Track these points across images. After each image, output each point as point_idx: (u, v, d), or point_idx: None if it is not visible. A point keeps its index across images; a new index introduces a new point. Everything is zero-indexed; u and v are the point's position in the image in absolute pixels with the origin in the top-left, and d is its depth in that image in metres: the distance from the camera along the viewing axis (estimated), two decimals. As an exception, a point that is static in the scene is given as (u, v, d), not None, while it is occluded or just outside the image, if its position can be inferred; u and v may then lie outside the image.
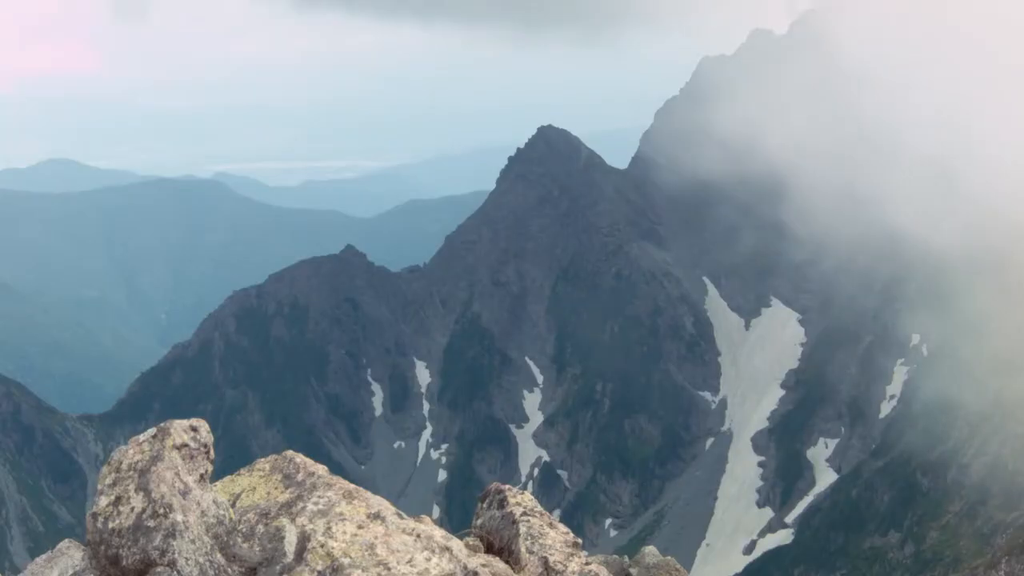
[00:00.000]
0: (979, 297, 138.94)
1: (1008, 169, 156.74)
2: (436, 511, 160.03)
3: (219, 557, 7.84)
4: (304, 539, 8.01)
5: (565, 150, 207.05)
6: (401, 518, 8.32)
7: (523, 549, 9.31)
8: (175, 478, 7.81)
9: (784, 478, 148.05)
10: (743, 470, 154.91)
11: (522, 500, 10.09)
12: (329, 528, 8.04)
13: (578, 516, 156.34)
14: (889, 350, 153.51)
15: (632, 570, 13.76)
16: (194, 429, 8.38)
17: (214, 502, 8.20)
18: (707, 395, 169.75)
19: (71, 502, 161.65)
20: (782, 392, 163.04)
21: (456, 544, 8.26)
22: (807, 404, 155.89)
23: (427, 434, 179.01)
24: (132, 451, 8.05)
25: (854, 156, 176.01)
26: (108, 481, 7.91)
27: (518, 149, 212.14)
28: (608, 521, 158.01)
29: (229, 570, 7.83)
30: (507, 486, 10.42)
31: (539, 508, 10.01)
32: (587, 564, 9.17)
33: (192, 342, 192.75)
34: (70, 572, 7.85)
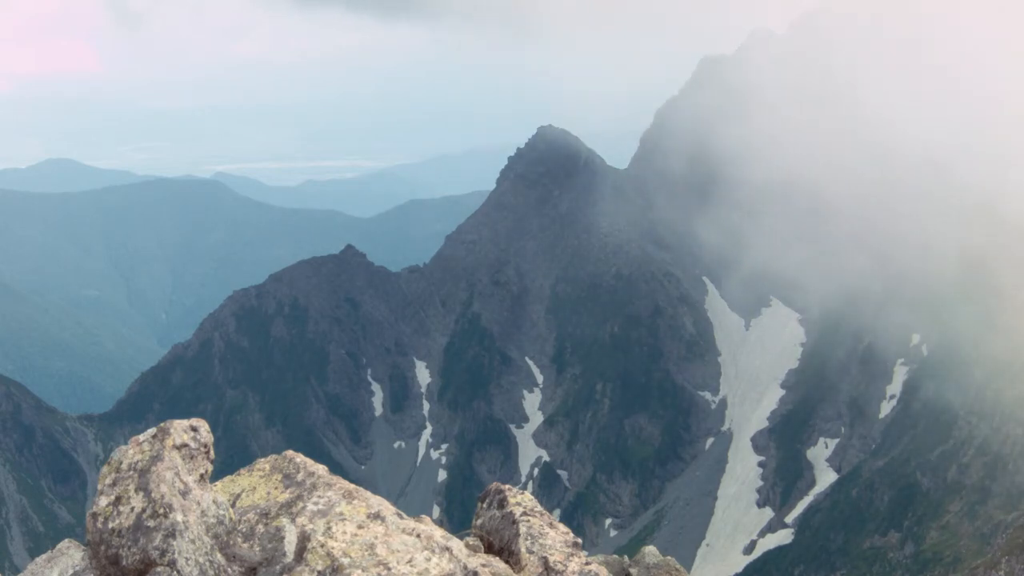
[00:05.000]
0: (979, 297, 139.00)
1: (1007, 169, 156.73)
2: (436, 511, 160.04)
3: (219, 557, 7.84)
4: (304, 539, 8.01)
5: (565, 150, 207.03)
6: (401, 518, 8.32)
7: (523, 549, 9.31)
8: (175, 478, 7.81)
9: (784, 478, 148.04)
10: (743, 470, 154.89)
11: (522, 500, 10.09)
12: (329, 528, 8.04)
13: (578, 516, 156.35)
14: (889, 350, 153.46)
15: (632, 570, 13.76)
16: (194, 429, 8.39)
17: (214, 502, 8.20)
18: (707, 395, 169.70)
19: (71, 502, 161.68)
20: (782, 392, 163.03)
21: (456, 544, 8.26)
22: (807, 404, 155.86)
23: (427, 434, 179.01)
24: (132, 451, 8.06)
25: (853, 156, 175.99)
26: (108, 481, 7.91)
27: (518, 149, 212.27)
28: (608, 521, 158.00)
29: (229, 570, 7.83)
30: (507, 486, 10.42)
31: (539, 508, 10.01)
32: (587, 564, 9.17)
33: (192, 342, 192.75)
34: (70, 572, 7.85)
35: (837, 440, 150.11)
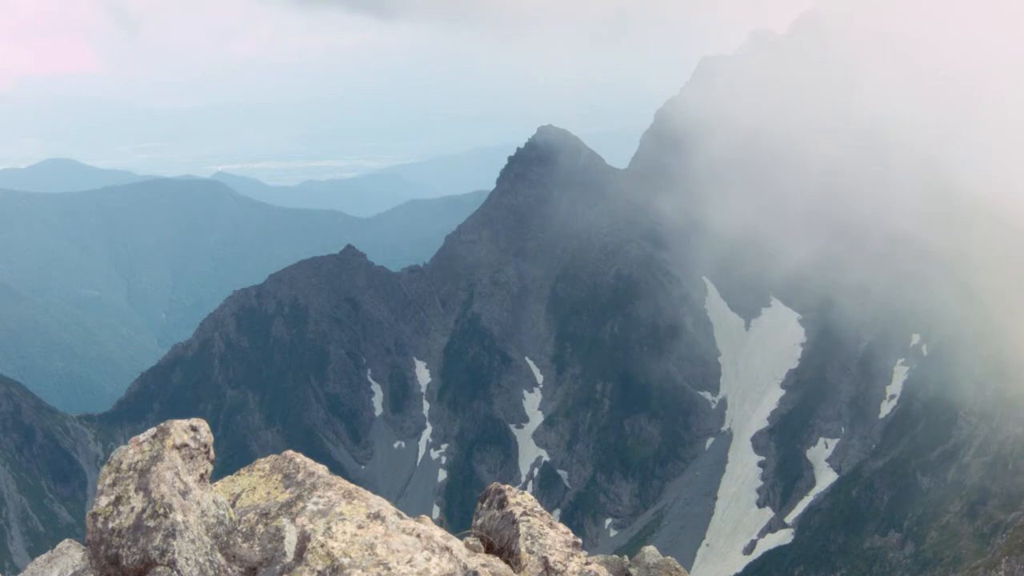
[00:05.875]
0: (978, 297, 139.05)
1: (1006, 168, 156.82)
2: (436, 511, 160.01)
3: (219, 557, 7.85)
4: (304, 539, 8.01)
5: (565, 150, 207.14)
6: (401, 518, 8.33)
7: (523, 549, 9.31)
8: (175, 478, 7.81)
9: (784, 478, 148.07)
10: (743, 470, 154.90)
11: (522, 500, 10.09)
12: (329, 528, 8.05)
13: (578, 516, 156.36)
14: (889, 350, 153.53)
15: (632, 570, 13.76)
16: (194, 429, 8.39)
17: (214, 502, 8.20)
18: (707, 395, 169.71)
19: (71, 502, 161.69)
20: (782, 392, 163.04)
21: (456, 544, 8.26)
22: (807, 404, 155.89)
23: (427, 434, 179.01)
24: (132, 451, 8.06)
25: (853, 156, 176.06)
26: (108, 481, 7.91)
27: (518, 149, 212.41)
28: (608, 521, 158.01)
29: (229, 570, 7.83)
30: (507, 486, 10.43)
31: (539, 508, 10.01)
32: (587, 564, 9.17)
33: (192, 342, 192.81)
34: (70, 572, 7.85)
35: (837, 440, 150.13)
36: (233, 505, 8.73)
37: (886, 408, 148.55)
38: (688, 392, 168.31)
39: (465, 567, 7.96)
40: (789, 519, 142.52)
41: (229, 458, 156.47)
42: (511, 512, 9.85)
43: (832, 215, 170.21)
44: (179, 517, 7.54)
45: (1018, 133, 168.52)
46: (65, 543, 8.23)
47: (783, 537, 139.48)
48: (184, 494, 7.80)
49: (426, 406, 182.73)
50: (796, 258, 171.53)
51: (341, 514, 8.19)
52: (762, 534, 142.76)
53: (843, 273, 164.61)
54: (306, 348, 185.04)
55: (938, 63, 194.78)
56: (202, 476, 8.25)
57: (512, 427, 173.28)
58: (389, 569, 7.63)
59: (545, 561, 9.10)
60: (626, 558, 14.06)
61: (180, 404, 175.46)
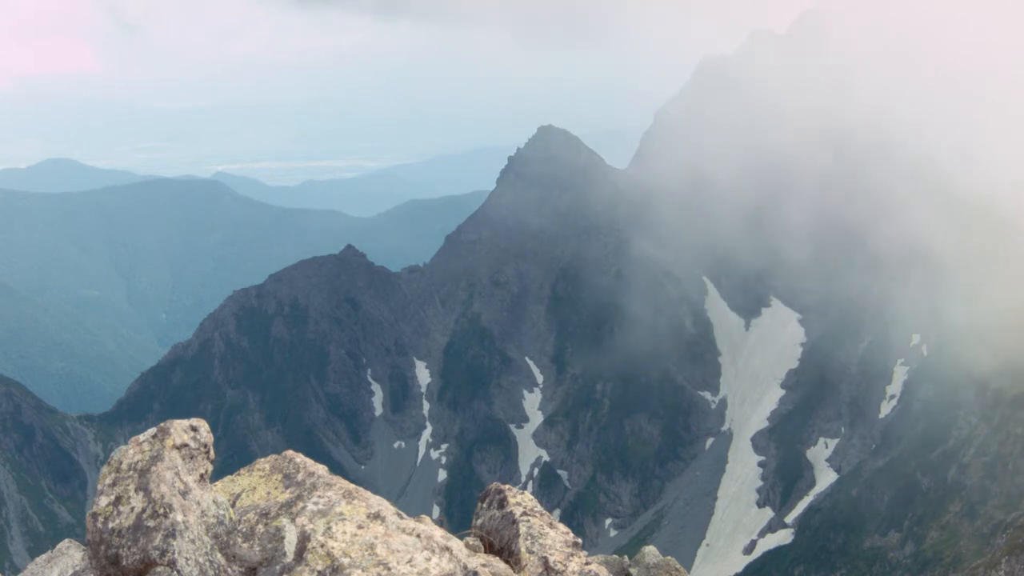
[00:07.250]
0: (978, 297, 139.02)
1: (1006, 168, 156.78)
2: (436, 511, 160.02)
3: (219, 557, 7.84)
4: (304, 539, 8.01)
5: (565, 150, 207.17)
6: (401, 518, 8.32)
7: (523, 549, 9.30)
8: (175, 478, 7.81)
9: (784, 478, 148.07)
10: (743, 470, 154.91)
11: (522, 500, 10.09)
12: (329, 528, 8.05)
13: (578, 516, 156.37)
14: (889, 350, 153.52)
15: (632, 570, 13.76)
16: (194, 429, 8.39)
17: (214, 502, 8.20)
18: (707, 395, 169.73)
19: (71, 502, 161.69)
20: (782, 392, 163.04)
21: (456, 544, 8.26)
22: (807, 404, 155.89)
23: (427, 434, 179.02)
24: (132, 451, 8.06)
25: (854, 155, 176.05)
26: (108, 481, 7.91)
27: (518, 149, 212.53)
28: (608, 521, 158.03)
29: (229, 570, 7.83)
30: (507, 486, 10.42)
31: (539, 508, 10.01)
32: (587, 564, 9.17)
33: (192, 342, 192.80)
34: (70, 572, 7.85)
35: (837, 440, 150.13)
36: (233, 505, 8.73)
37: (886, 408, 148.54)
38: (688, 392, 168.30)
39: (465, 567, 7.96)
40: (789, 519, 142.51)
41: (229, 458, 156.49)
42: (511, 512, 9.85)
43: (832, 215, 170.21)
44: (179, 517, 7.54)
45: (1018, 133, 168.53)
46: (65, 543, 8.23)
47: (783, 537, 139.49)
48: (184, 494, 7.80)
49: (426, 406, 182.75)
50: (796, 258, 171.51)
51: (341, 514, 8.19)
52: (762, 534, 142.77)
53: (843, 273, 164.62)
54: (306, 348, 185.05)
55: (938, 63, 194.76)
56: (202, 476, 8.25)
57: (512, 427, 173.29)
58: (389, 569, 7.63)
59: (545, 561, 9.10)
60: (626, 558, 14.06)
61: (180, 404, 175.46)
